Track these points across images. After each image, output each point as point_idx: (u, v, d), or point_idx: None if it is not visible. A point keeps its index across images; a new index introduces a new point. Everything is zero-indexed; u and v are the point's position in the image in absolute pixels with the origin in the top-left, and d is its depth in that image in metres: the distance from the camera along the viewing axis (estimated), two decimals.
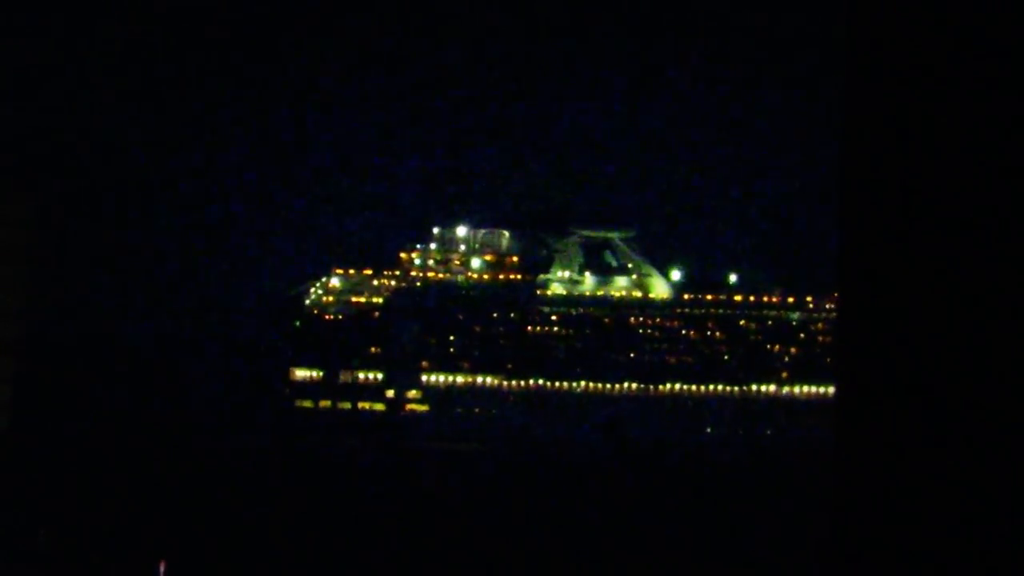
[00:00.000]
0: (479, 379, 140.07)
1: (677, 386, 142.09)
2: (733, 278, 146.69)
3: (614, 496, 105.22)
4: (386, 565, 75.72)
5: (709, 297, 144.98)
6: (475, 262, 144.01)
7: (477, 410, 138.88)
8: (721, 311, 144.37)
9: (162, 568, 58.95)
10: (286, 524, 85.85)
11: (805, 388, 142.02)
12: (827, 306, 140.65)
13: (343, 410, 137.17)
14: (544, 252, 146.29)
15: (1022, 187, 10.22)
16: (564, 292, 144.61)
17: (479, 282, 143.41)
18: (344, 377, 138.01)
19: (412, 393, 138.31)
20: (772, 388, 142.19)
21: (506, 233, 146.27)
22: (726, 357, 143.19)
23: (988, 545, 10.19)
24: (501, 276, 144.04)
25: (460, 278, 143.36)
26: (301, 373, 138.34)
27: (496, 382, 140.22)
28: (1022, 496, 10.07)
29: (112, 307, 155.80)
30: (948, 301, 10.36)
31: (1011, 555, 10.14)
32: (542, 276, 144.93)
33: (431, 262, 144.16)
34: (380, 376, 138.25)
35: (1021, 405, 10.12)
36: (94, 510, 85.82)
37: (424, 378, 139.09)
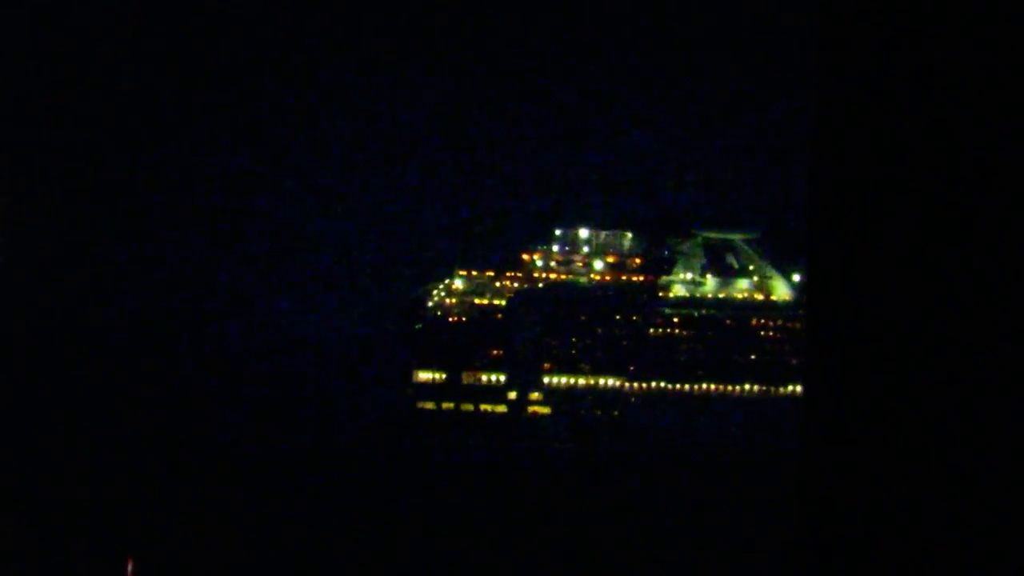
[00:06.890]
0: (600, 381, 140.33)
1: (799, 388, 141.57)
2: None
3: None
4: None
5: None
6: (597, 263, 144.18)
7: (599, 412, 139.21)
8: None
9: (129, 566, 59.86)
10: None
11: None
12: None
13: (465, 412, 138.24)
14: (666, 253, 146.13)
15: (1002, 183, 10.19)
16: (686, 294, 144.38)
17: (601, 283, 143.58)
18: (467, 379, 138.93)
19: (534, 395, 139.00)
20: None
21: (628, 234, 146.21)
22: None
23: (962, 537, 10.24)
24: (623, 277, 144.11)
25: (582, 279, 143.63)
26: (424, 375, 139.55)
27: (618, 384, 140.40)
28: (996, 490, 10.11)
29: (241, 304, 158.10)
30: (918, 297, 10.38)
31: (984, 546, 10.20)
32: (664, 278, 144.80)
33: (553, 263, 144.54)
34: (502, 378, 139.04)
35: (994, 397, 10.15)
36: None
37: (546, 380, 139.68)
